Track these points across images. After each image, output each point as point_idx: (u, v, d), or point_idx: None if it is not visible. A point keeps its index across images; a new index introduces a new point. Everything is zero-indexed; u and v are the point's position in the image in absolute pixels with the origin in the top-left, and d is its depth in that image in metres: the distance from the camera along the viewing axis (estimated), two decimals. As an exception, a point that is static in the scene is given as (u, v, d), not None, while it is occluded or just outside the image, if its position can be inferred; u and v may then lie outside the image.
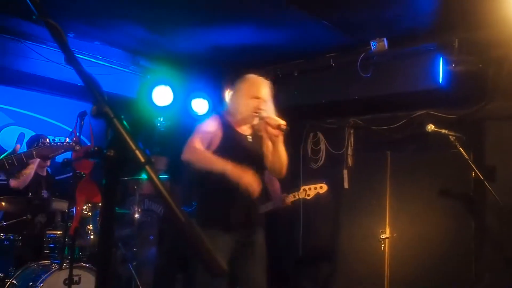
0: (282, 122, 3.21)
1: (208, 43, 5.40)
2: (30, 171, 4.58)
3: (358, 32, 4.92)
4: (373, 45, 4.91)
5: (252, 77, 3.52)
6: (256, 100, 3.36)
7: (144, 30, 5.09)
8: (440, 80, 4.80)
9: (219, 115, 3.49)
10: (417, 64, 5.00)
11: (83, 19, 4.88)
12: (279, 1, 4.27)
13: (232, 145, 3.34)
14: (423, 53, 4.94)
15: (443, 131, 4.27)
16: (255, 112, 3.34)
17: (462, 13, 4.26)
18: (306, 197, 4.55)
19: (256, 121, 3.36)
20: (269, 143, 3.35)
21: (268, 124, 3.25)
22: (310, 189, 4.56)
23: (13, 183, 4.56)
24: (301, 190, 4.57)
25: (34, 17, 1.27)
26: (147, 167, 0.97)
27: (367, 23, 4.72)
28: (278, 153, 3.33)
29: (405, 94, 5.11)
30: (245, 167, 3.20)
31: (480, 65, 4.71)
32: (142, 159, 0.98)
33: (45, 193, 4.78)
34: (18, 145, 4.18)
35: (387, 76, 5.17)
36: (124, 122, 1.05)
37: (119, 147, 1.02)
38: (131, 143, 1.00)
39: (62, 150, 3.31)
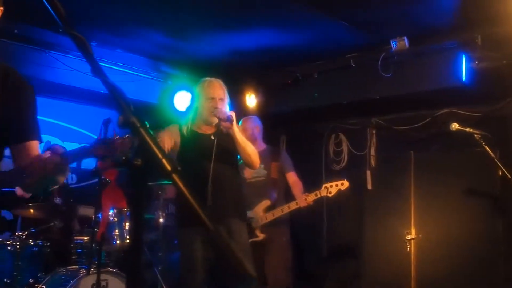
0: (230, 113, 3.49)
1: (228, 47, 5.43)
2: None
3: (378, 32, 4.89)
4: (394, 44, 4.88)
5: (207, 80, 3.76)
6: (211, 100, 3.61)
7: (164, 36, 5.15)
8: (463, 78, 4.73)
9: (177, 123, 3.75)
10: (439, 62, 4.94)
11: (104, 28, 4.96)
12: (298, 3, 4.27)
13: (192, 147, 3.58)
14: (445, 51, 4.87)
15: (467, 129, 4.20)
16: (211, 111, 3.58)
17: (484, 9, 4.20)
18: (328, 194, 4.53)
19: (214, 119, 3.61)
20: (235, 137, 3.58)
21: (219, 118, 3.52)
22: (331, 186, 4.55)
23: (19, 191, 4.56)
24: (323, 188, 4.55)
25: (60, 30, 1.30)
26: (174, 176, 0.99)
27: (387, 22, 4.69)
28: (238, 144, 3.57)
29: (427, 92, 5.05)
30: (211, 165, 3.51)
31: (504, 61, 4.63)
32: (169, 168, 1.00)
33: (58, 200, 4.81)
34: None
35: (408, 75, 5.12)
36: (150, 131, 1.07)
37: (146, 156, 1.04)
38: (157, 152, 1.02)
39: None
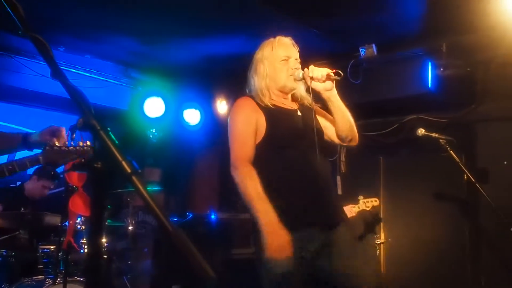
0: (329, 70, 2.62)
1: (198, 53, 5.42)
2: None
3: (347, 39, 4.96)
4: (362, 51, 4.96)
5: (275, 39, 2.86)
6: (285, 61, 2.76)
7: (134, 41, 5.11)
8: (430, 85, 4.83)
9: (250, 96, 2.80)
10: (406, 69, 5.04)
11: (73, 33, 4.90)
12: (268, 10, 4.30)
13: (281, 127, 2.66)
14: (412, 58, 4.98)
15: (433, 134, 4.29)
16: (291, 74, 2.72)
17: (449, 17, 4.31)
18: (366, 208, 4.61)
19: (294, 84, 2.74)
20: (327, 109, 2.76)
21: (313, 79, 2.63)
22: (367, 201, 4.63)
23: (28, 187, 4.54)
24: (361, 202, 4.62)
25: (19, 32, 1.28)
26: (134, 178, 0.98)
27: (356, 30, 4.76)
28: (338, 112, 2.72)
29: (395, 99, 5.14)
30: (305, 149, 2.62)
31: (468, 69, 4.75)
32: (128, 170, 0.99)
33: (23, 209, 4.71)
34: None
35: (377, 82, 5.20)
36: (111, 134, 1.06)
37: (106, 158, 1.03)
38: (117, 154, 1.01)
39: (74, 156, 2.60)
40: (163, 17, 4.50)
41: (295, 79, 2.72)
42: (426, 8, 4.28)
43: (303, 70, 2.70)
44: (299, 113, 2.76)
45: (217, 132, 6.49)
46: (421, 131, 4.26)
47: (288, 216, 2.53)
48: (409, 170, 5.34)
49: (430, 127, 4.53)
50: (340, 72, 2.62)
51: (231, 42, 5.12)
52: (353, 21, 4.58)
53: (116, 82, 5.97)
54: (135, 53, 5.44)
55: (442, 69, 4.73)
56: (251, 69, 2.87)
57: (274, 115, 2.68)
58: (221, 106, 6.25)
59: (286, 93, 2.80)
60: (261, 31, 4.85)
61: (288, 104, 2.79)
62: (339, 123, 2.76)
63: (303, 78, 2.69)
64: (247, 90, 2.85)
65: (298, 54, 2.82)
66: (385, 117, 5.54)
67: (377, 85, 5.20)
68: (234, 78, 6.12)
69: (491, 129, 4.97)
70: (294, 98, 2.85)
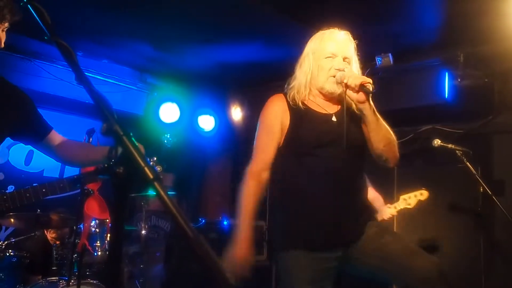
0: (367, 80, 2.32)
1: (214, 60, 5.46)
2: None
3: (363, 48, 4.94)
4: (379, 60, 4.94)
5: (325, 31, 2.58)
6: (331, 59, 2.46)
7: (151, 47, 5.16)
8: (446, 95, 4.80)
9: (285, 93, 2.56)
10: (422, 79, 5.01)
11: (91, 38, 4.96)
12: (283, 18, 4.32)
13: (303, 133, 2.42)
14: (429, 68, 4.95)
15: (449, 145, 4.25)
16: (332, 75, 2.41)
17: (467, 27, 4.29)
18: (407, 206, 4.24)
19: (334, 87, 2.43)
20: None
21: (347, 86, 2.33)
22: (410, 197, 4.26)
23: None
24: (401, 200, 4.26)
25: (46, 38, 1.31)
26: (156, 184, 0.99)
27: (372, 39, 4.75)
28: (370, 127, 2.42)
29: (411, 109, 5.11)
30: (329, 159, 2.37)
31: (486, 79, 4.71)
32: (151, 176, 1.00)
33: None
34: None
35: (392, 91, 5.18)
36: (133, 140, 1.07)
37: (128, 164, 1.04)
38: (140, 160, 1.02)
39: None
40: (179, 24, 4.54)
41: (336, 82, 2.41)
42: (443, 18, 4.26)
43: (345, 72, 2.41)
44: (334, 118, 2.47)
45: (231, 139, 6.52)
46: (437, 142, 4.22)
47: (301, 236, 2.42)
48: (423, 181, 5.28)
49: (446, 137, 4.49)
50: (372, 85, 2.34)
51: (246, 49, 5.14)
52: (370, 30, 4.57)
53: (132, 87, 6.03)
54: (151, 59, 5.49)
55: (459, 79, 4.70)
56: (298, 63, 2.62)
57: (300, 118, 2.45)
58: (236, 112, 6.28)
59: (326, 96, 2.50)
60: (276, 39, 4.90)
61: (325, 107, 2.51)
62: (372, 139, 2.44)
63: (340, 83, 2.39)
64: (285, 86, 2.61)
65: (351, 53, 2.53)
66: (400, 126, 5.47)
67: (393, 95, 5.17)
68: (248, 85, 6.18)
69: (508, 141, 4.92)
70: (337, 101, 2.53)
